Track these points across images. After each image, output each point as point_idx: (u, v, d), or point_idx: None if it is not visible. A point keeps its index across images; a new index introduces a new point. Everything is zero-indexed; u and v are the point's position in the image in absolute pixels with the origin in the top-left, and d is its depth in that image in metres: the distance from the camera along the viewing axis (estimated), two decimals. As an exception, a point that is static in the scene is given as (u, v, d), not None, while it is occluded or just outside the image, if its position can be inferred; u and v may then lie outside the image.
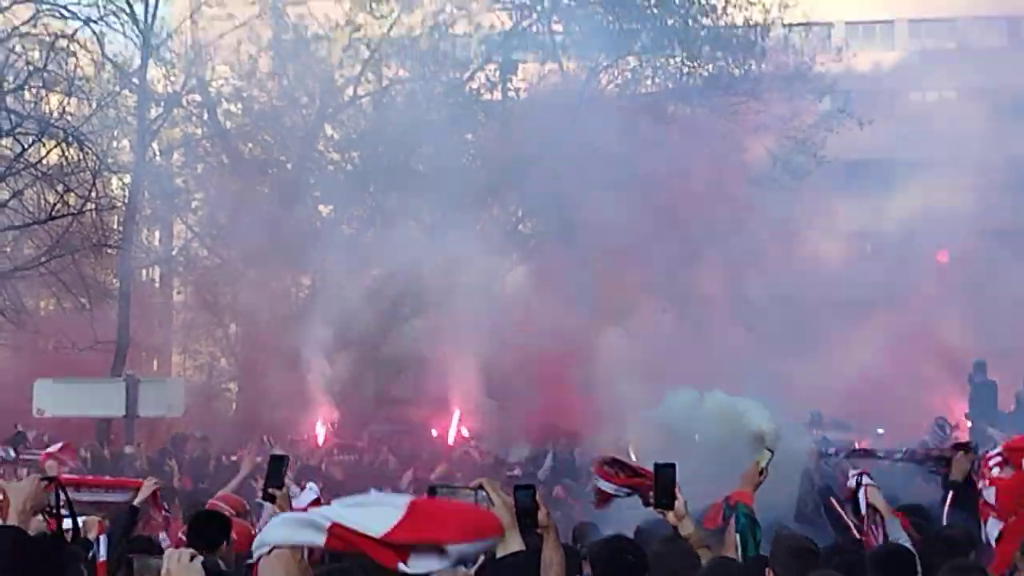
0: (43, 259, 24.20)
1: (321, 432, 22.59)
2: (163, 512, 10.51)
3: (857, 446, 12.14)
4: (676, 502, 8.38)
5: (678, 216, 27.78)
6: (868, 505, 10.18)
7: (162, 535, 10.23)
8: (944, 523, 10.06)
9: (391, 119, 29.11)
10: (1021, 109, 39.00)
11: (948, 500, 10.36)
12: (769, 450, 9.47)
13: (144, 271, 33.26)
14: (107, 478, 11.15)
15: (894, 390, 27.90)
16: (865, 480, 10.11)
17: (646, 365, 16.16)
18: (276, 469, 8.48)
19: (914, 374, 28.69)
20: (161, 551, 5.41)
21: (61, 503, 6.69)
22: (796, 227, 31.67)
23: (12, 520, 5.41)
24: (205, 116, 31.38)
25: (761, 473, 9.23)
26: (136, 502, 10.05)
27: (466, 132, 29.16)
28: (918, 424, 23.41)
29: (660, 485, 8.40)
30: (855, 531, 10.03)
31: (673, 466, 8.46)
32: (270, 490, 8.43)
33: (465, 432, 21.73)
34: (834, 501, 10.37)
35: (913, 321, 29.03)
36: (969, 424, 24.84)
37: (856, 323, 29.50)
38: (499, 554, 5.16)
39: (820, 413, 22.29)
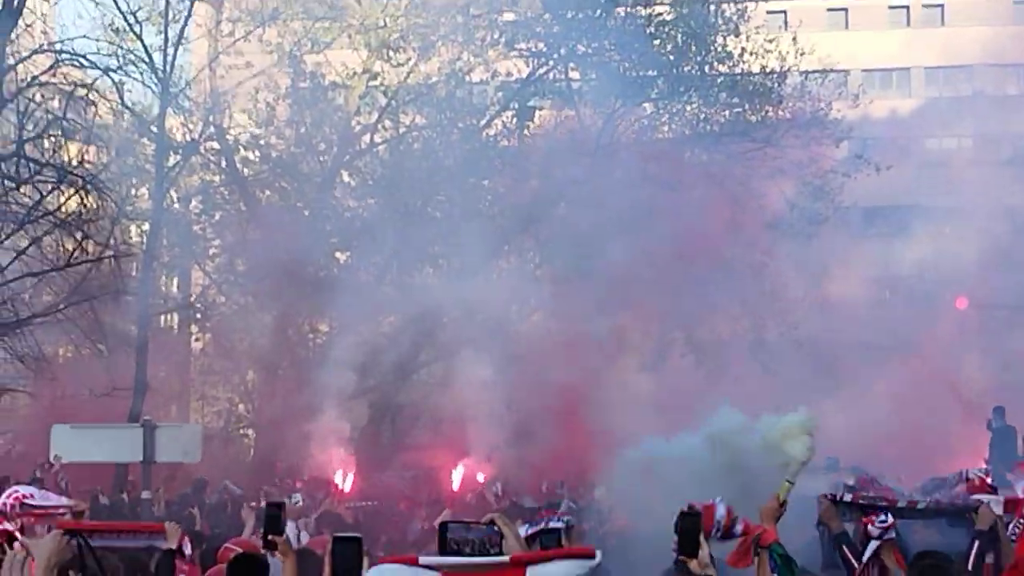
0: (61, 306, 24.26)
1: (341, 479, 22.56)
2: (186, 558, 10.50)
3: (878, 494, 11.81)
4: (701, 551, 8.31)
5: (696, 261, 27.77)
6: (877, 557, 10.12)
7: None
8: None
9: (408, 166, 29.20)
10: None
11: (975, 550, 10.27)
12: (790, 482, 9.39)
13: (162, 317, 33.35)
14: (127, 523, 11.13)
15: (912, 435, 27.78)
16: (886, 536, 10.02)
17: (665, 409, 16.12)
18: (274, 516, 8.45)
19: (932, 420, 28.57)
20: None
21: (85, 555, 6.65)
22: (813, 272, 31.66)
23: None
24: (223, 163, 31.52)
25: (782, 506, 9.15)
26: (171, 546, 10.02)
27: (483, 178, 29.23)
28: (935, 469, 23.26)
29: (684, 533, 8.33)
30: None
31: (698, 514, 8.37)
32: (270, 537, 8.40)
33: (481, 478, 21.67)
34: (846, 549, 10.28)
35: (931, 367, 28.95)
36: (988, 470, 24.67)
37: (874, 368, 29.41)
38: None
39: (837, 459, 22.19)
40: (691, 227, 27.63)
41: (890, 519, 10.48)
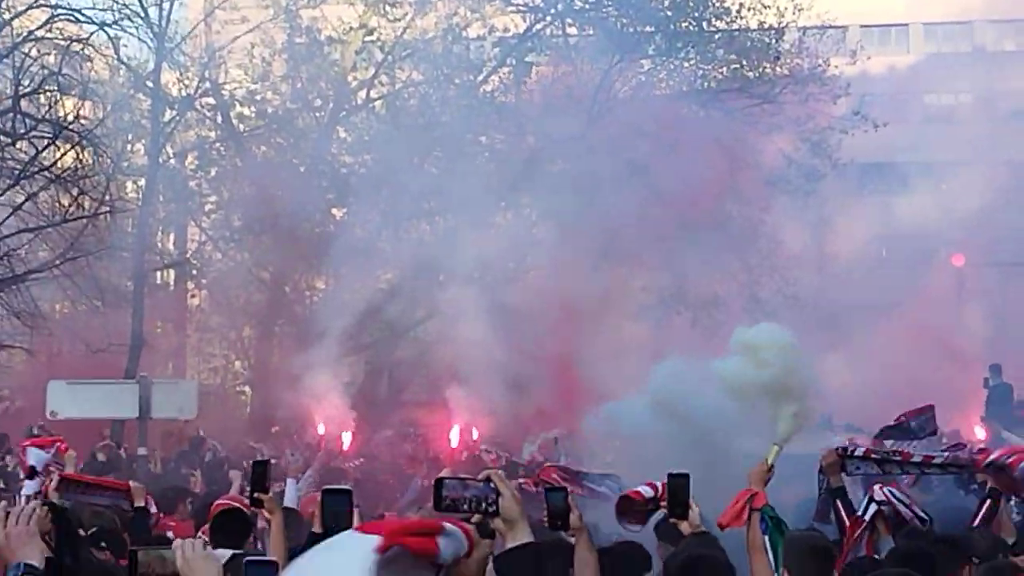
0: (57, 262, 24.20)
1: (339, 436, 22.59)
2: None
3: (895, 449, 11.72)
4: (690, 511, 8.32)
5: (692, 218, 27.75)
6: (871, 521, 10.11)
7: (170, 535, 10.24)
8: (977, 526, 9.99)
9: (404, 121, 29.11)
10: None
11: (986, 506, 10.25)
12: (778, 447, 9.39)
13: (158, 274, 33.31)
14: (96, 478, 11.14)
15: (908, 393, 27.79)
16: (887, 494, 10.01)
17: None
18: (260, 474, 8.45)
19: (928, 378, 28.59)
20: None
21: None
22: (810, 230, 31.66)
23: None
24: (219, 119, 31.43)
25: (769, 470, 9.15)
26: (139, 504, 10.07)
27: (479, 134, 29.14)
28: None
29: (673, 494, 8.36)
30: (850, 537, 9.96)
31: (686, 476, 8.39)
32: (256, 495, 8.40)
33: (475, 434, 21.70)
34: (840, 505, 10.28)
35: (928, 324, 28.98)
36: (984, 427, 24.74)
37: (870, 326, 29.47)
38: (508, 545, 5.11)
39: (831, 416, 22.21)
40: (688, 183, 27.57)
41: (895, 497, 10.44)
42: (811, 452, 11.77)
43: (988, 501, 10.29)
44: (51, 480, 10.12)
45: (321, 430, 20.27)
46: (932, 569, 8.24)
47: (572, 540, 8.04)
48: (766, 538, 8.64)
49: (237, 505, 10.19)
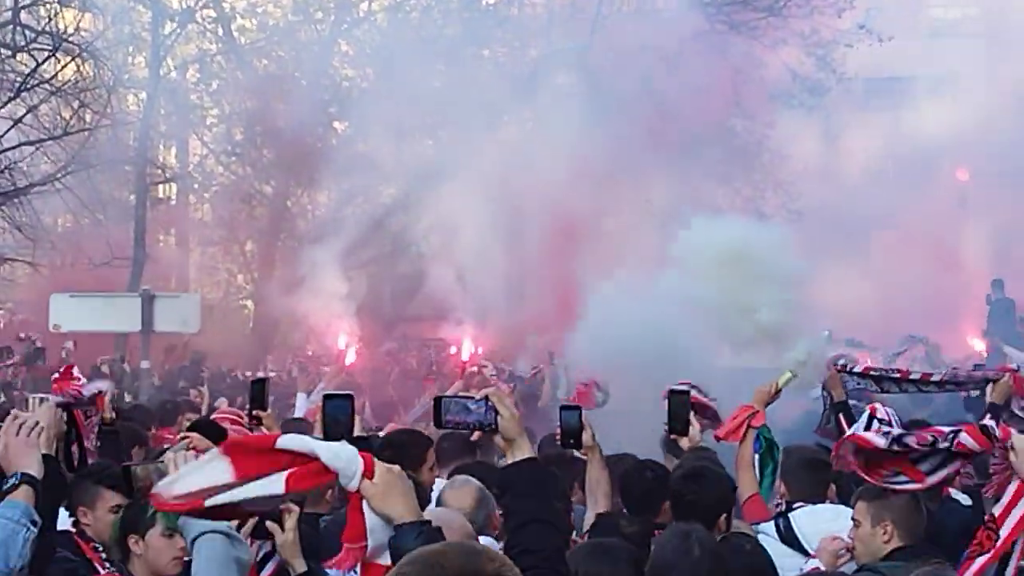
0: (59, 175, 24.16)
1: (350, 353, 22.66)
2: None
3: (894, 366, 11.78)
4: (692, 428, 8.36)
5: (697, 133, 27.67)
6: None
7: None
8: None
9: (406, 35, 28.92)
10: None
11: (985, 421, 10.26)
12: (793, 373, 9.44)
13: (160, 188, 33.26)
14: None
15: (910, 308, 27.85)
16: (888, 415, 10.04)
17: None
18: (259, 392, 8.43)
19: (931, 292, 28.62)
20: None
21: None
22: (815, 144, 31.54)
23: (44, 448, 5.42)
24: (220, 32, 31.23)
25: (777, 393, 9.20)
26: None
27: (482, 48, 28.95)
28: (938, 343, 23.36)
29: (673, 411, 8.38)
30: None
31: (687, 392, 8.43)
32: (255, 412, 8.38)
33: (479, 350, 21.76)
34: (843, 418, 10.32)
35: (931, 239, 28.97)
36: (986, 342, 24.82)
37: (874, 241, 29.46)
38: (508, 461, 5.13)
39: (830, 331, 22.19)
40: (692, 97, 27.46)
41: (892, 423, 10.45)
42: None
43: (988, 417, 10.30)
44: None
45: (342, 343, 20.26)
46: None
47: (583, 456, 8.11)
48: (756, 457, 8.70)
49: (231, 416, 10.21)
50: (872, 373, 11.06)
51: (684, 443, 8.31)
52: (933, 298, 28.56)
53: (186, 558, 5.67)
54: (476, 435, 5.36)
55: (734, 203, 29.35)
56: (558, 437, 7.72)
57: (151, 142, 29.89)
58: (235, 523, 5.17)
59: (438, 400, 5.14)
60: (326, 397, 6.64)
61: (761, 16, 28.29)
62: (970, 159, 30.37)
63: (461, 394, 5.21)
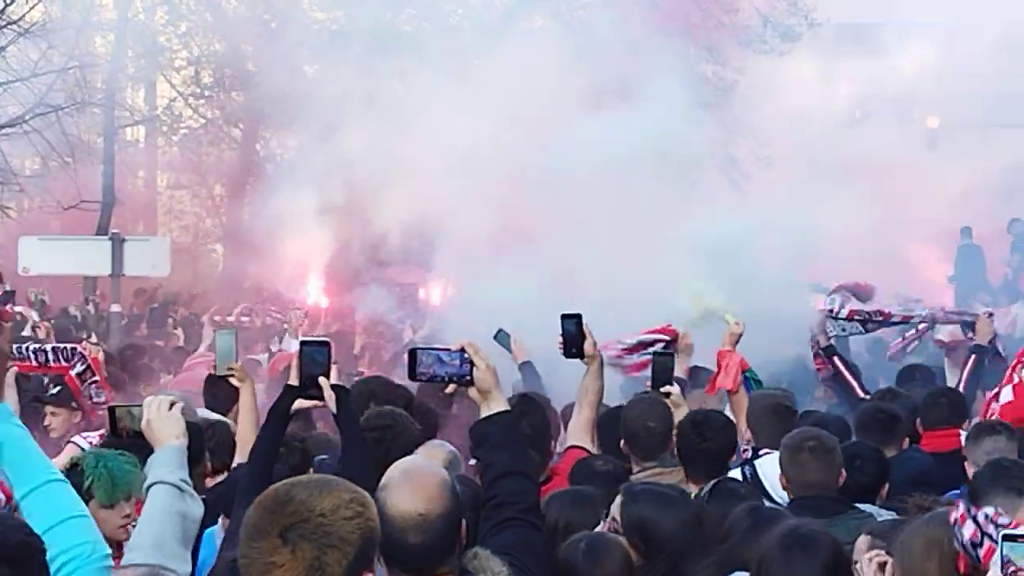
0: (27, 117, 23.96)
1: (317, 295, 22.62)
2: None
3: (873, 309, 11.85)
4: (672, 388, 8.39)
5: (667, 77, 27.54)
6: None
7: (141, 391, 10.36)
8: (961, 388, 10.08)
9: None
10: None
11: (970, 364, 10.34)
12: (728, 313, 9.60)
13: (128, 130, 33.03)
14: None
15: (878, 256, 27.92)
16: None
17: (635, 222, 16.18)
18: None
19: (900, 240, 28.72)
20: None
21: None
22: (786, 90, 31.51)
23: None
24: (188, -28, 30.99)
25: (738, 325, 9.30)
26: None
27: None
28: (903, 290, 23.45)
29: (657, 370, 8.42)
30: (858, 390, 10.12)
31: (671, 353, 8.51)
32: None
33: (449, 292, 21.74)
34: (838, 360, 10.43)
35: (901, 187, 29.02)
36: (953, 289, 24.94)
37: (842, 187, 29.47)
38: (483, 414, 5.14)
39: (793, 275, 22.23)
40: (662, 40, 27.35)
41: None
42: (800, 311, 11.89)
43: (972, 357, 10.41)
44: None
45: (311, 290, 20.22)
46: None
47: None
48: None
49: (205, 362, 10.25)
50: (857, 317, 11.25)
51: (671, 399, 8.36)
52: (901, 245, 28.69)
53: (132, 524, 5.71)
54: (451, 388, 5.33)
55: (703, 148, 29.35)
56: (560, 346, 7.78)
57: (119, 84, 29.64)
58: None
59: (413, 352, 5.11)
60: (303, 343, 6.64)
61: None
62: (941, 105, 30.41)
63: (436, 346, 5.17)
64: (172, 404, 5.34)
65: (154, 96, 33.44)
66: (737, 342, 9.30)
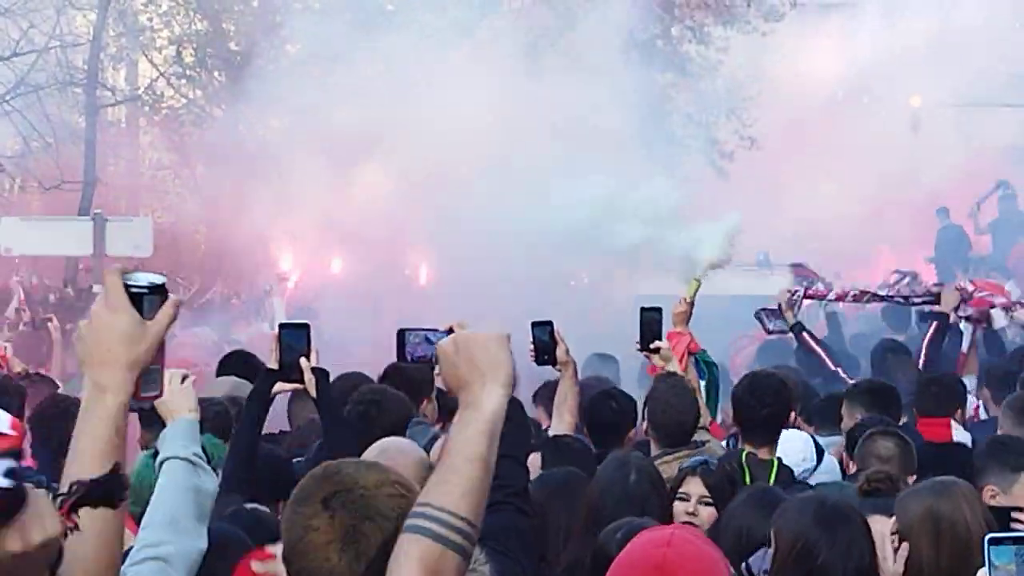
0: (8, 97, 23.91)
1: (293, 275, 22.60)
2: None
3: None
4: (662, 344, 8.38)
5: (649, 57, 27.58)
6: None
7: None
8: (923, 355, 10.15)
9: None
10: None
11: (931, 331, 10.37)
12: (697, 281, 9.56)
13: (110, 110, 32.92)
14: None
15: (857, 236, 28.03)
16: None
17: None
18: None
19: (882, 218, 28.80)
20: None
21: None
22: (768, 70, 31.52)
23: None
24: (170, -49, 30.86)
25: (691, 305, 9.30)
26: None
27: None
28: (877, 270, 23.52)
29: (645, 328, 8.35)
30: (829, 363, 10.19)
31: (659, 309, 8.43)
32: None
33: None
34: (807, 336, 10.48)
35: (884, 165, 29.08)
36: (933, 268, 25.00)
37: (824, 166, 29.56)
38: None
39: (767, 254, 22.37)
40: (643, 21, 27.37)
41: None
42: (764, 294, 11.93)
43: (934, 324, 10.43)
44: None
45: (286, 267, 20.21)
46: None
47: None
48: (702, 383, 8.81)
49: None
50: (823, 295, 11.37)
51: (656, 360, 8.33)
52: (883, 224, 28.75)
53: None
54: (439, 370, 5.29)
55: (687, 129, 29.41)
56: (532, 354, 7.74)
57: (101, 64, 29.53)
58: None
59: (401, 332, 5.06)
60: (282, 327, 6.62)
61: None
62: (924, 85, 30.42)
63: (424, 326, 5.11)
64: (184, 377, 5.32)
65: (135, 76, 33.33)
66: (687, 321, 9.30)
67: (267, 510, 6.11)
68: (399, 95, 24.45)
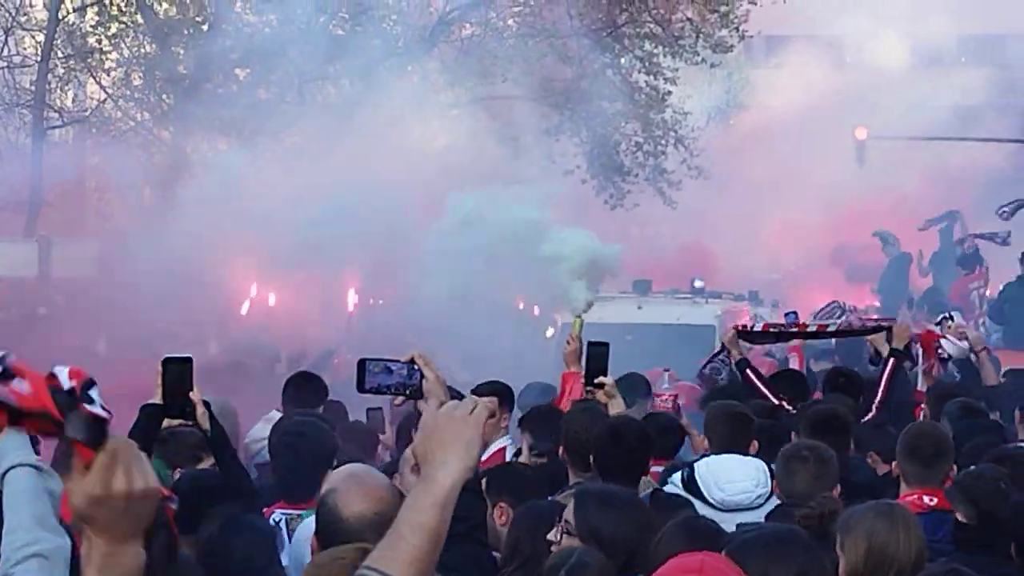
0: (-46, 117, 23.79)
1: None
2: None
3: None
4: (607, 379, 8.37)
5: (597, 87, 27.78)
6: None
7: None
8: (881, 391, 10.17)
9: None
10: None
11: (888, 367, 10.38)
12: (579, 318, 9.67)
13: (57, 132, 32.74)
14: None
15: (808, 266, 28.24)
16: None
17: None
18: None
19: (829, 250, 29.04)
20: None
21: None
22: (714, 102, 31.77)
23: None
24: (119, -27, 30.75)
25: (579, 343, 9.37)
26: None
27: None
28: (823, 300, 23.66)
29: (591, 362, 8.34)
30: (772, 398, 10.22)
31: (606, 344, 8.43)
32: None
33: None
34: (750, 373, 10.52)
35: (828, 196, 29.35)
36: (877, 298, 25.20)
37: (771, 197, 29.78)
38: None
39: (697, 281, 22.52)
40: (593, 51, 27.56)
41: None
42: (704, 323, 12.04)
43: (891, 361, 10.42)
44: None
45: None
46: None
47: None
48: None
49: None
50: (772, 330, 11.38)
51: (600, 396, 8.32)
52: (829, 256, 28.99)
53: None
54: (399, 400, 5.25)
55: (636, 158, 29.58)
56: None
57: (49, 85, 29.39)
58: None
59: (361, 362, 5.02)
60: (165, 361, 6.47)
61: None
62: (869, 117, 30.73)
63: (385, 356, 5.07)
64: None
65: (84, 98, 33.17)
66: (578, 359, 9.35)
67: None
68: (350, 121, 24.50)
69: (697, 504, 7.44)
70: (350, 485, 4.46)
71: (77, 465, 2.77)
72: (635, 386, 10.41)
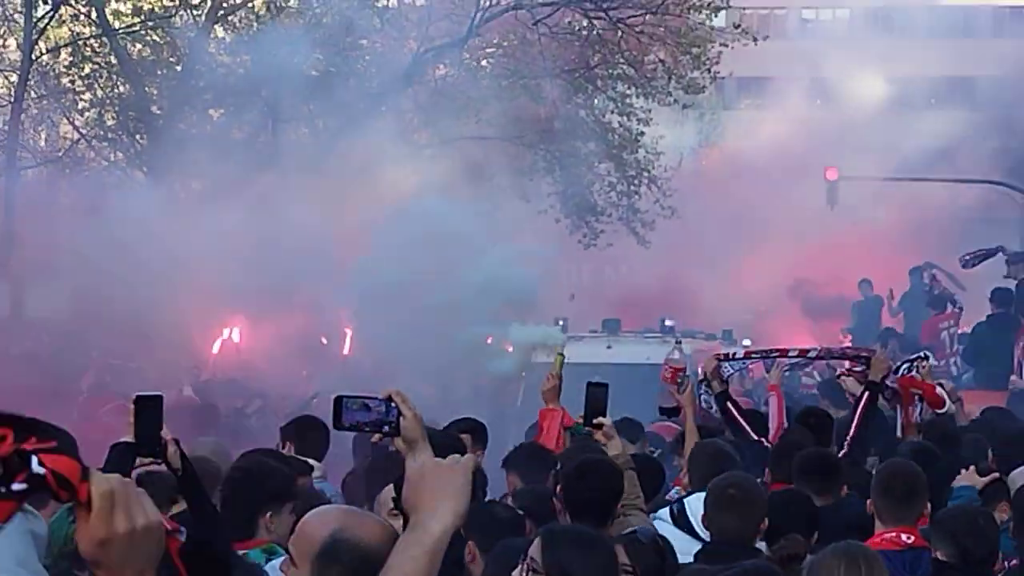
0: (-73, 157, 23.74)
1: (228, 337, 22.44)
2: None
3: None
4: (605, 420, 8.36)
5: (572, 126, 27.91)
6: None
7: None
8: (855, 426, 10.19)
9: (284, 22, 28.76)
10: (909, 31, 39.49)
11: (863, 400, 10.39)
12: (561, 355, 9.73)
13: (30, 172, 32.69)
14: None
15: (778, 306, 28.32)
16: None
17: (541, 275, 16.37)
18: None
19: (800, 291, 29.12)
20: None
21: None
22: (686, 142, 31.93)
23: None
24: (93, 15, 30.74)
25: (559, 379, 9.42)
26: None
27: (360, 37, 28.85)
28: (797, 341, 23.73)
29: (589, 403, 8.30)
30: (751, 433, 10.25)
31: (605, 385, 8.39)
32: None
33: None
34: (730, 406, 10.55)
35: (800, 237, 29.47)
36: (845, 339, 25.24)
37: (744, 237, 29.90)
38: (409, 465, 5.11)
39: (667, 320, 22.53)
40: (567, 92, 27.70)
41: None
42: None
43: (866, 394, 10.44)
44: None
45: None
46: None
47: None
48: None
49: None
50: (753, 356, 11.47)
51: (599, 436, 8.27)
52: (801, 295, 29.07)
53: None
54: (376, 437, 5.24)
55: (609, 198, 29.72)
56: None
57: (22, 125, 29.37)
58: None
59: (338, 399, 5.00)
60: (137, 399, 6.44)
61: (639, 13, 28.50)
62: (839, 158, 30.89)
63: (362, 393, 5.05)
64: None
65: (56, 138, 33.15)
66: (557, 397, 9.37)
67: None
68: (324, 161, 24.55)
69: (687, 539, 7.46)
70: (356, 516, 4.45)
71: (77, 510, 2.79)
72: (628, 430, 10.45)
